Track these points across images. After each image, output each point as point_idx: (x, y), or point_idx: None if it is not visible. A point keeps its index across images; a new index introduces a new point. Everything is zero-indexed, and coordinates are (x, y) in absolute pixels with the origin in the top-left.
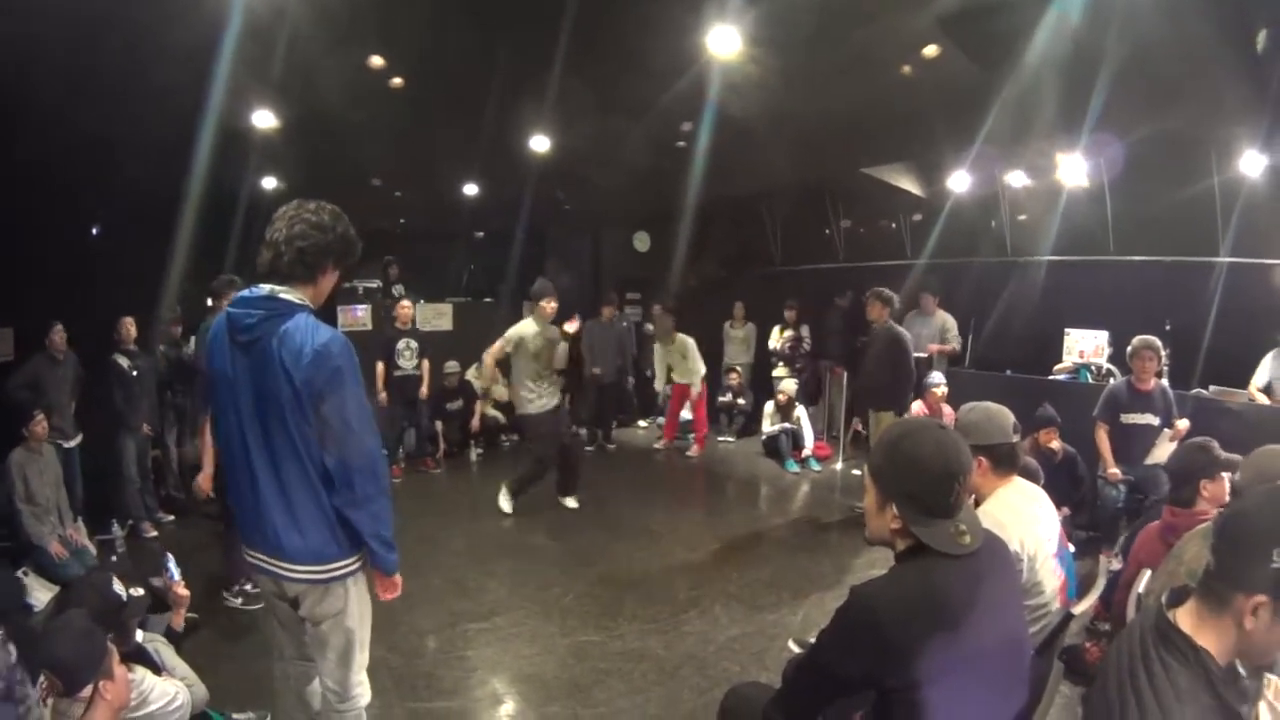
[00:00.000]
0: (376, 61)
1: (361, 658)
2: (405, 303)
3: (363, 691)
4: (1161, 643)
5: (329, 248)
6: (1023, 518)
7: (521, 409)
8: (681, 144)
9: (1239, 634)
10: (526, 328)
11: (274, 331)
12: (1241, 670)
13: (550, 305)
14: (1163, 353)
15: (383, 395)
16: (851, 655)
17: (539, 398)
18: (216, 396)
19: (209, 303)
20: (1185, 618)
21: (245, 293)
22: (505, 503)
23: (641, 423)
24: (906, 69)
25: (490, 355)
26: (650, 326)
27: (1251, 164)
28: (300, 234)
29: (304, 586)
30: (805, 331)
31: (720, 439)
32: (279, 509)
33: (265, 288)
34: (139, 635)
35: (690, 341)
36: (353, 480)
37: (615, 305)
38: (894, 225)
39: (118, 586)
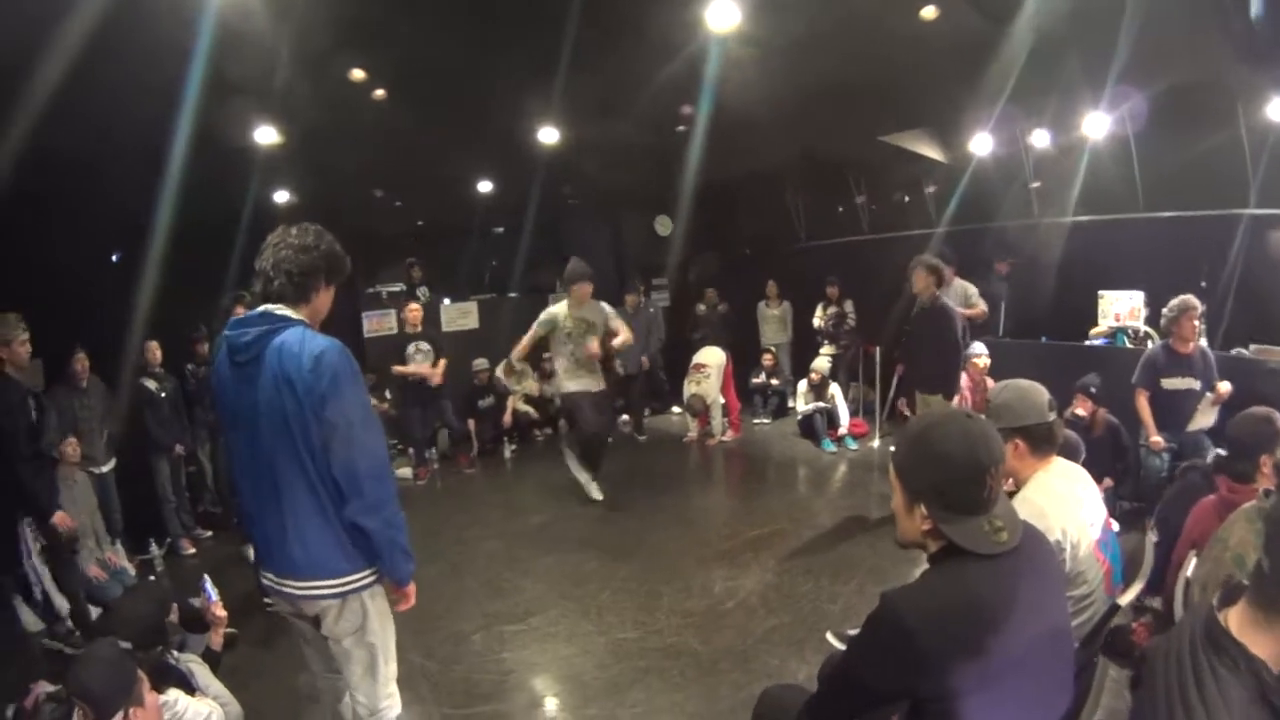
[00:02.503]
0: (382, 64)
1: (388, 670)
2: (414, 305)
3: (392, 704)
4: (1212, 649)
5: (315, 266)
6: (1065, 503)
7: (559, 387)
8: (686, 127)
9: None
10: (559, 309)
11: (269, 346)
12: None
13: (581, 289)
14: (1200, 311)
15: (428, 370)
16: (882, 667)
17: (573, 377)
18: (224, 420)
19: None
20: (1236, 620)
21: (240, 316)
22: (594, 492)
23: (675, 409)
24: (919, 29)
25: (519, 348)
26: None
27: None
28: (286, 258)
29: (321, 604)
30: (849, 307)
31: (755, 421)
32: (288, 527)
33: (260, 307)
34: (174, 656)
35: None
36: (362, 486)
37: (638, 294)
38: (913, 196)
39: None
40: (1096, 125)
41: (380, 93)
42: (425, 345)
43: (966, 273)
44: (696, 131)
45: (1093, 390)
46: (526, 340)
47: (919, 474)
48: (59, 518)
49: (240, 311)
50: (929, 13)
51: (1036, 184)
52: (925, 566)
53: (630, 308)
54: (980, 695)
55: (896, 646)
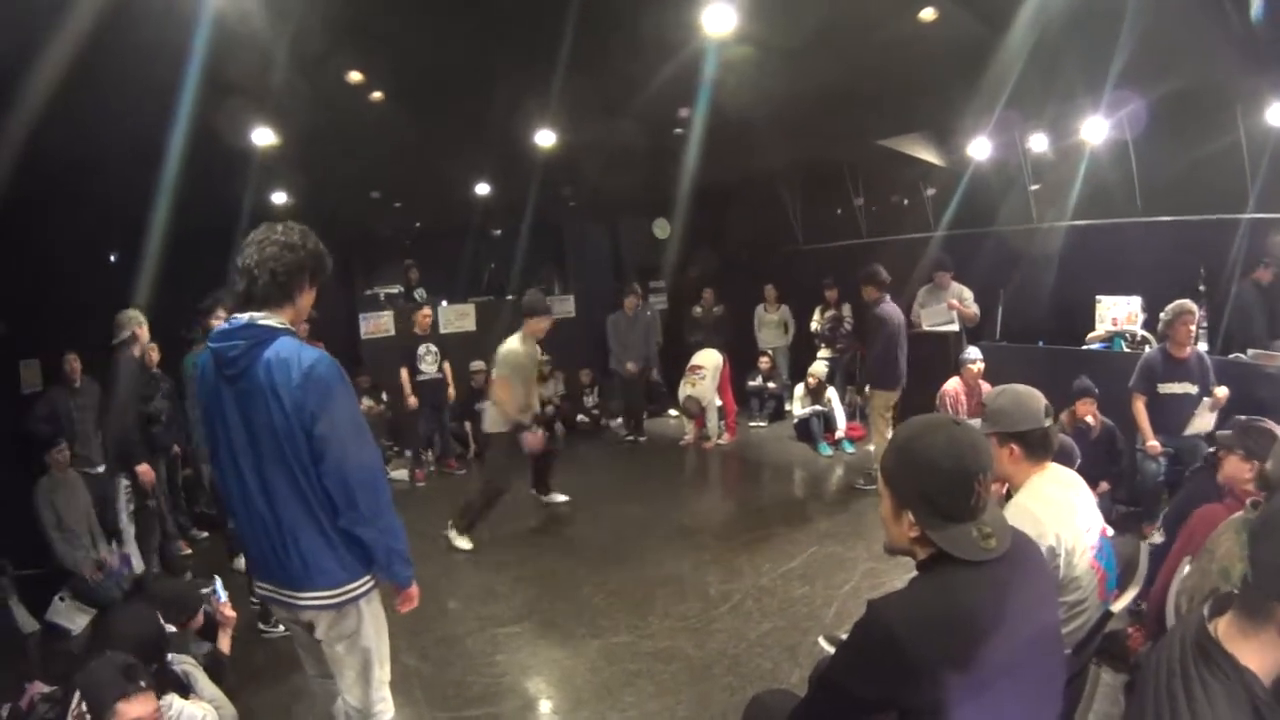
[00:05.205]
0: (380, 66)
1: (381, 674)
2: (425, 310)
3: (385, 708)
4: (1202, 660)
5: (301, 265)
6: (1060, 509)
7: (487, 426)
8: (683, 130)
9: None
10: (514, 346)
11: (259, 359)
12: None
13: (540, 324)
14: (1198, 315)
15: (412, 400)
16: (869, 677)
17: (493, 416)
18: (210, 433)
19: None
20: (1225, 630)
21: (225, 325)
22: (462, 542)
23: (672, 412)
24: (917, 32)
25: (504, 397)
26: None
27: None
28: (272, 256)
29: (316, 612)
30: (847, 311)
31: (751, 424)
32: (281, 540)
33: (244, 317)
34: (170, 660)
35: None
36: (355, 498)
37: (638, 296)
38: (912, 198)
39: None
40: (1095, 130)
41: (378, 95)
42: (434, 348)
43: (965, 277)
44: (694, 134)
45: (1096, 392)
46: (504, 391)
47: (906, 481)
48: (143, 469)
49: (221, 316)
50: (928, 14)
51: (1036, 186)
52: (915, 573)
53: (629, 310)
54: (968, 704)
55: (882, 655)
